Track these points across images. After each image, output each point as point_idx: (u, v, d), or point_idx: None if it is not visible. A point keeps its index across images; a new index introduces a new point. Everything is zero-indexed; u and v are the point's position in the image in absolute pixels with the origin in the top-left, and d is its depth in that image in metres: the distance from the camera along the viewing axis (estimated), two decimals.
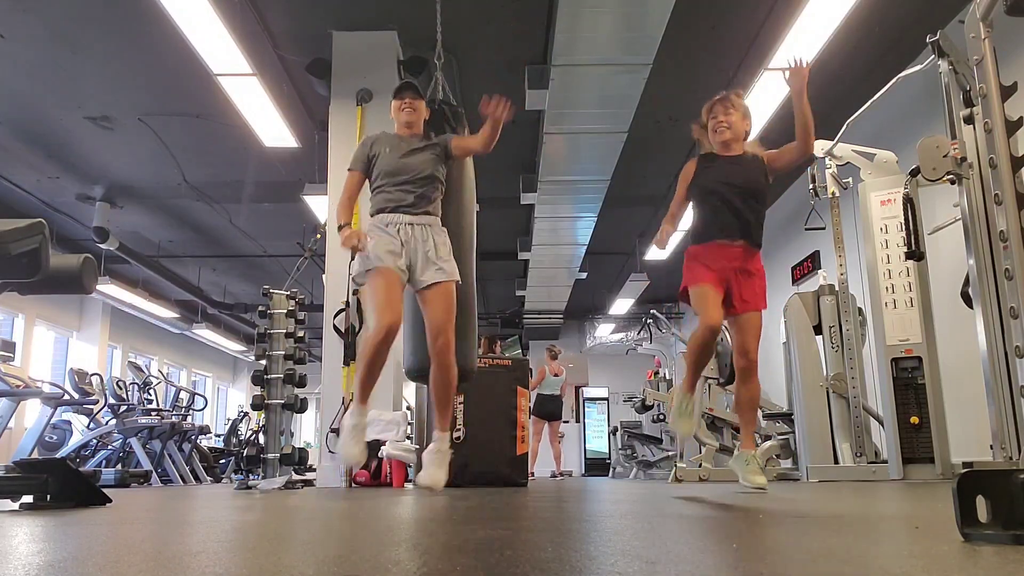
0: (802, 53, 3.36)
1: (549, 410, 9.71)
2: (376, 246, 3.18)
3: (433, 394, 3.29)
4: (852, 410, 5.27)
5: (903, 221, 3.19)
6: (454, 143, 3.41)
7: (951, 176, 2.65)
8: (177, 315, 12.55)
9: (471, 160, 3.87)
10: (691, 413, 3.23)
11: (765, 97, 6.19)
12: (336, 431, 5.22)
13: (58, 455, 6.81)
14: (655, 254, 10.05)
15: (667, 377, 9.01)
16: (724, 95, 3.37)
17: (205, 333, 13.77)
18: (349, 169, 3.41)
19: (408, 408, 6.69)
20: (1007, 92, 2.34)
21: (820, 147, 5.29)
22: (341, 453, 3.12)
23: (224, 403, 17.38)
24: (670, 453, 8.21)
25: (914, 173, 3.14)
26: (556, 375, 9.75)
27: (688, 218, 3.44)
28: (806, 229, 5.77)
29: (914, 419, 4.50)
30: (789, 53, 5.48)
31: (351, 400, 5.27)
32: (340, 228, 3.22)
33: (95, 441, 7.47)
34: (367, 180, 3.40)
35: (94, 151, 7.63)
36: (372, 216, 3.29)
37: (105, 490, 2.73)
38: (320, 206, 6.97)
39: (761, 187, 3.29)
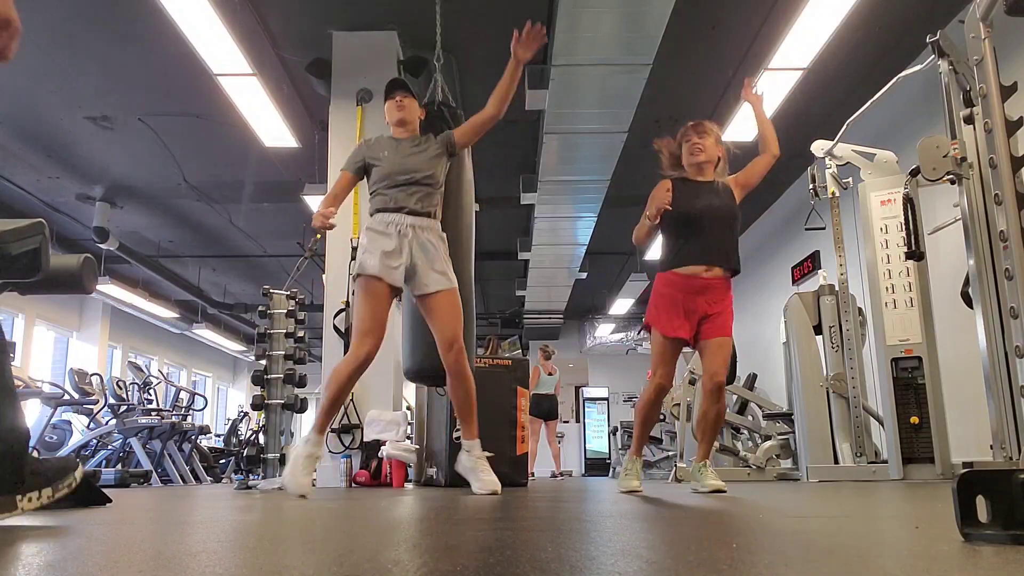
0: (750, 78, 3.49)
1: (545, 409, 9.70)
2: (370, 249, 3.10)
3: (455, 405, 3.27)
4: (852, 410, 5.27)
5: (903, 221, 3.19)
6: (456, 133, 3.32)
7: (951, 176, 2.65)
8: (177, 315, 12.55)
9: (470, 160, 3.86)
10: (638, 474, 3.36)
11: (765, 97, 6.19)
12: (336, 431, 5.22)
13: (58, 455, 6.81)
14: (655, 254, 10.06)
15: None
16: (698, 121, 3.43)
17: (205, 333, 13.77)
18: (341, 169, 3.38)
19: (408, 408, 6.70)
20: (1007, 92, 2.35)
21: (820, 147, 5.29)
22: (286, 481, 2.97)
23: (224, 403, 17.39)
24: (670, 453, 8.21)
25: (914, 173, 3.14)
26: (550, 374, 9.76)
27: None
28: (806, 229, 5.77)
29: (914, 419, 4.50)
30: (789, 54, 5.51)
31: (350, 401, 5.32)
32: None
33: (95, 441, 7.46)
34: (358, 182, 3.36)
35: (94, 151, 7.63)
36: (371, 216, 3.22)
37: (105, 490, 2.73)
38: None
39: (734, 213, 3.34)
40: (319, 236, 3.34)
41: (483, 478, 3.16)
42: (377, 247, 3.10)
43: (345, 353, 5.32)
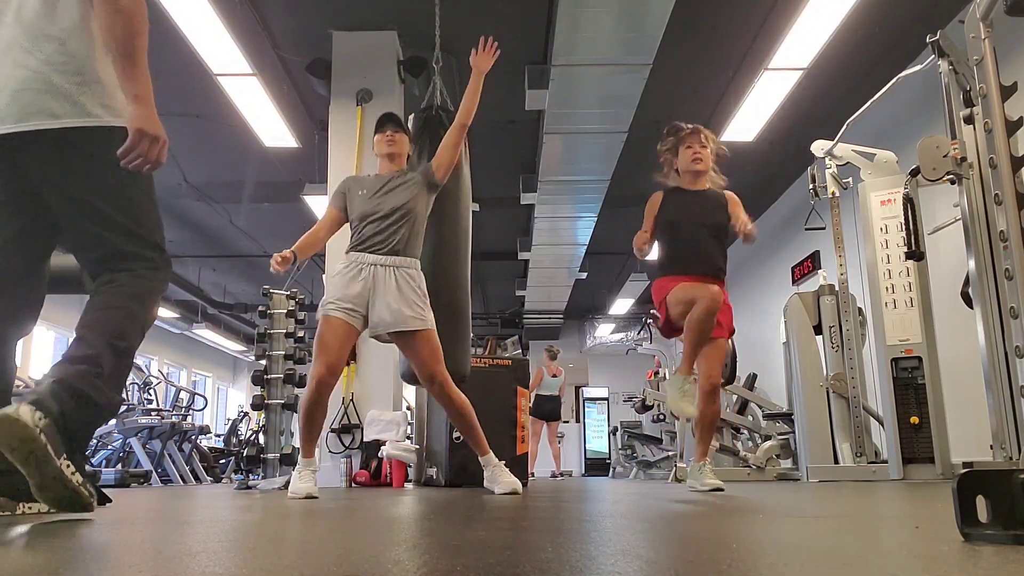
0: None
1: (547, 410, 9.70)
2: (335, 288, 3.16)
3: (457, 429, 3.43)
4: (852, 410, 5.27)
5: (903, 221, 3.19)
6: (434, 164, 3.32)
7: (951, 176, 2.65)
8: (177, 315, 12.55)
9: (468, 162, 3.86)
10: (693, 394, 3.25)
11: (765, 97, 6.20)
12: (336, 430, 5.23)
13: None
14: (655, 254, 10.04)
15: (667, 377, 9.01)
16: (695, 128, 3.45)
17: (205, 333, 13.77)
18: (328, 203, 3.40)
19: (408, 408, 6.70)
20: (1007, 92, 2.35)
21: (820, 147, 5.29)
22: (292, 492, 3.09)
23: (224, 403, 17.38)
24: (670, 453, 8.22)
25: (914, 173, 3.14)
26: (555, 376, 9.73)
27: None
28: (806, 229, 5.77)
29: (914, 419, 4.50)
30: (789, 54, 5.51)
31: (351, 401, 5.32)
32: (290, 250, 3.20)
33: (95, 441, 7.46)
34: (344, 221, 3.35)
35: None
36: (346, 253, 3.25)
37: (105, 490, 2.73)
38: (320, 206, 6.98)
39: (724, 224, 3.36)
40: (294, 247, 3.34)
41: (503, 480, 3.26)
42: (341, 287, 3.14)
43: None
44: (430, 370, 3.16)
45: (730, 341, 6.49)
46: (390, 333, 3.17)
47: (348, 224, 3.33)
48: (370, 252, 3.16)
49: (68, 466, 1.57)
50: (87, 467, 6.78)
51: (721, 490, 3.16)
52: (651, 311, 9.13)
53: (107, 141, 1.72)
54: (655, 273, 3.45)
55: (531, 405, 9.45)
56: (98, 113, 1.73)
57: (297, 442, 3.40)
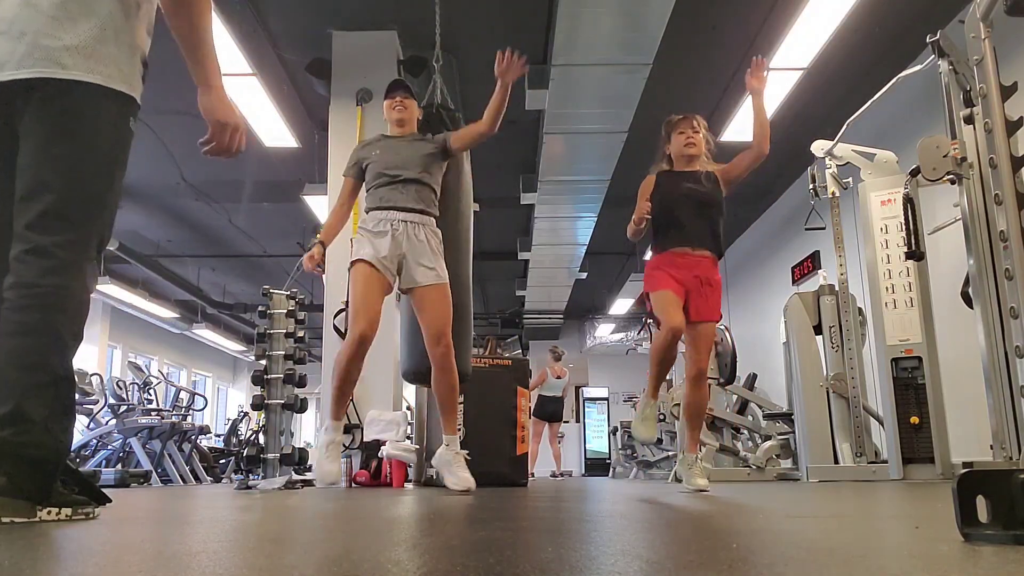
0: (763, 57, 3.58)
1: (549, 411, 9.69)
2: (362, 242, 3.20)
3: (437, 399, 3.32)
4: (852, 410, 5.27)
5: (903, 221, 3.19)
6: (453, 137, 3.38)
7: (951, 176, 2.65)
8: (177, 315, 12.55)
9: (468, 161, 3.87)
10: (654, 419, 3.35)
11: (765, 97, 6.19)
12: None
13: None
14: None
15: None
16: (687, 115, 3.53)
17: (205, 333, 13.77)
18: (343, 175, 3.43)
19: (408, 408, 6.69)
20: (1007, 92, 2.35)
21: (820, 147, 5.29)
22: (316, 472, 3.12)
23: (224, 403, 17.38)
24: (670, 453, 8.21)
25: (914, 173, 3.14)
26: (559, 377, 9.71)
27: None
28: (806, 229, 5.77)
29: (914, 419, 4.50)
30: (789, 54, 5.51)
31: (349, 402, 5.31)
32: (316, 242, 3.28)
33: (95, 441, 7.46)
34: (361, 185, 3.40)
35: None
36: (366, 213, 3.28)
37: (105, 490, 2.73)
38: (320, 206, 6.98)
39: (718, 199, 3.40)
40: (319, 237, 3.38)
41: (459, 474, 3.19)
42: (369, 241, 3.19)
43: None
44: (441, 329, 3.17)
45: (730, 339, 6.50)
46: (406, 290, 3.22)
47: (365, 186, 3.37)
48: (394, 209, 3.21)
49: (50, 512, 1.53)
50: (86, 468, 6.79)
51: (706, 491, 3.15)
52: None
53: (102, 104, 1.61)
54: (651, 249, 3.50)
55: (534, 405, 9.46)
56: (110, 73, 1.61)
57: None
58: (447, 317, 3.19)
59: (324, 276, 5.68)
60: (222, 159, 1.66)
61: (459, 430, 3.37)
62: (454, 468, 3.20)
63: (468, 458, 3.30)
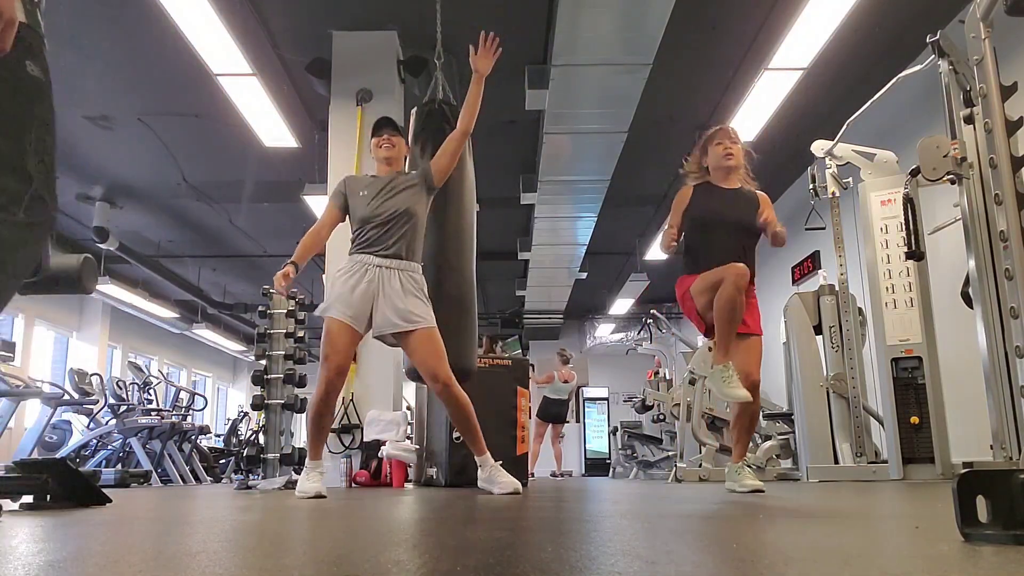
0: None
1: (554, 413, 9.69)
2: (337, 290, 3.21)
3: (457, 428, 3.39)
4: (852, 410, 5.27)
5: (903, 221, 3.19)
6: (432, 166, 3.36)
7: (951, 176, 2.65)
8: (177, 315, 12.55)
9: (471, 159, 3.86)
10: (736, 378, 3.05)
11: (765, 97, 6.19)
12: (336, 431, 5.22)
13: (58, 455, 6.81)
14: (655, 254, 10.05)
15: (667, 377, 9.01)
16: (723, 126, 3.40)
17: (205, 333, 13.77)
18: (328, 199, 3.45)
19: (408, 408, 6.69)
20: (1007, 92, 2.35)
21: (820, 147, 5.29)
22: (298, 491, 3.13)
23: (224, 403, 17.38)
24: (670, 453, 8.21)
25: (914, 173, 3.14)
26: (566, 381, 9.70)
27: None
28: (806, 229, 5.77)
29: (914, 419, 4.50)
30: (789, 54, 5.51)
31: (351, 401, 5.32)
32: (288, 262, 3.30)
33: (95, 441, 7.46)
34: (343, 218, 3.39)
35: (94, 151, 7.63)
36: (349, 254, 3.30)
37: (105, 490, 2.73)
38: (320, 206, 6.96)
39: (751, 222, 3.24)
40: (292, 259, 3.39)
41: (502, 481, 3.25)
42: (343, 290, 3.19)
43: None
44: (433, 369, 3.17)
45: None
46: (394, 334, 3.19)
47: (349, 223, 3.36)
48: (374, 254, 3.20)
49: None
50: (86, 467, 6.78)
51: (762, 491, 3.07)
52: (651, 311, 9.12)
53: None
54: (681, 270, 3.33)
55: (538, 407, 9.47)
56: None
57: (297, 442, 3.42)
58: (438, 357, 3.17)
59: (324, 276, 5.69)
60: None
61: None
62: (496, 479, 3.26)
63: (501, 465, 3.35)
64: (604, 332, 15.13)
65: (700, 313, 3.20)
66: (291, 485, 4.86)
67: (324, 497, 3.02)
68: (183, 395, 9.18)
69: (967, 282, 3.08)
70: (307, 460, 3.21)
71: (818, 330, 5.54)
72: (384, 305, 3.14)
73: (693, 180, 3.38)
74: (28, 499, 2.52)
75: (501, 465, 3.32)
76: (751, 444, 7.12)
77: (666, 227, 3.26)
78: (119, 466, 7.12)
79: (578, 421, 14.87)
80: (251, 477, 5.51)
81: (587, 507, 2.42)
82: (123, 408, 7.51)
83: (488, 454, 3.31)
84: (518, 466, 5.02)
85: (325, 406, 3.17)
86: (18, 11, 1.30)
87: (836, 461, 5.21)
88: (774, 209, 3.28)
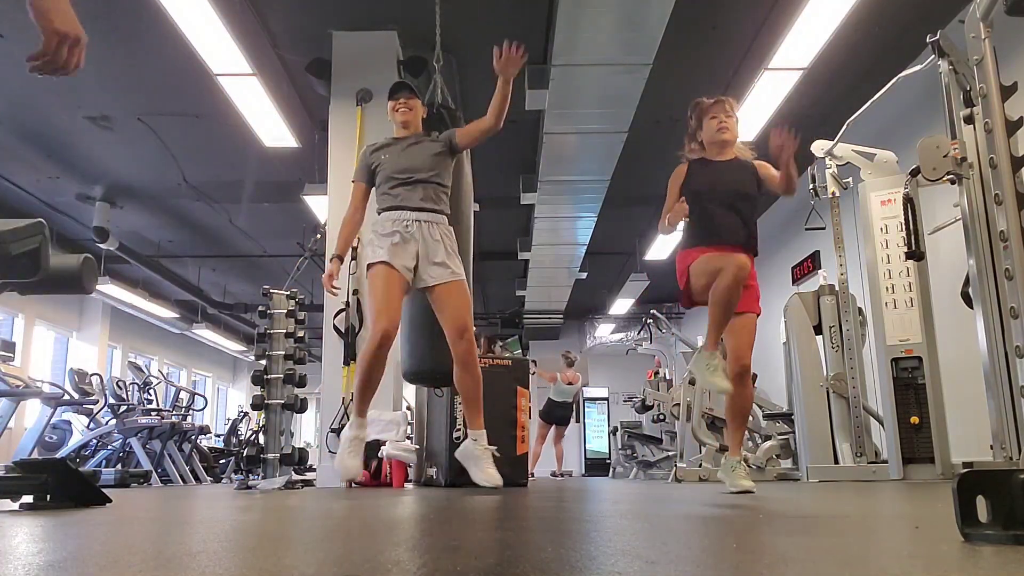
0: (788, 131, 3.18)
1: (558, 416, 9.68)
2: (377, 243, 3.21)
3: (462, 395, 3.34)
4: (852, 410, 5.27)
5: (903, 221, 3.19)
6: (458, 133, 3.40)
7: (951, 176, 2.65)
8: (177, 315, 12.55)
9: (469, 161, 3.87)
10: (722, 368, 3.01)
11: (765, 97, 6.19)
12: (336, 431, 5.22)
13: (58, 455, 6.81)
14: (655, 254, 10.05)
15: (667, 377, 9.01)
16: (719, 99, 3.33)
17: (205, 333, 13.77)
18: (353, 180, 3.45)
19: (408, 408, 6.69)
20: (1007, 92, 2.35)
21: (820, 147, 5.29)
22: (337, 466, 3.15)
23: (224, 403, 17.38)
24: (670, 453, 8.21)
25: (914, 173, 3.14)
26: (570, 383, 9.69)
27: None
28: (806, 229, 5.77)
29: (914, 419, 4.50)
30: (789, 54, 5.50)
31: (351, 402, 5.31)
32: (332, 258, 3.34)
33: (95, 441, 7.46)
34: (373, 189, 3.42)
35: (94, 151, 7.63)
36: (378, 214, 3.30)
37: (105, 490, 2.73)
38: (320, 206, 6.96)
39: (753, 192, 3.22)
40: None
41: (487, 470, 3.21)
42: (384, 242, 3.21)
43: (345, 354, 5.36)
44: (464, 322, 3.19)
45: None
46: (422, 289, 3.23)
47: (375, 189, 3.39)
48: (407, 209, 3.24)
49: None
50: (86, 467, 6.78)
51: (751, 492, 3.03)
52: (651, 311, 9.11)
53: None
54: (680, 244, 3.29)
55: (542, 409, 9.47)
56: None
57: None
58: (467, 311, 3.21)
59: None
60: (55, 77, 1.27)
61: (459, 428, 3.37)
62: (482, 464, 3.20)
63: (497, 455, 3.28)
64: (604, 332, 15.13)
65: (694, 293, 3.10)
66: (291, 485, 4.86)
67: (353, 484, 2.95)
68: (183, 395, 9.18)
69: (967, 282, 3.08)
70: (352, 417, 3.20)
71: (818, 330, 5.54)
72: (427, 257, 3.20)
73: (689, 155, 3.33)
74: (28, 499, 2.52)
75: (502, 465, 3.31)
76: (751, 444, 7.14)
77: (664, 209, 3.16)
78: (119, 466, 7.12)
79: (578, 421, 14.88)
80: (251, 477, 5.50)
81: (587, 507, 2.42)
82: (123, 408, 7.51)
83: (484, 432, 3.26)
84: (518, 466, 5.02)
85: (377, 363, 3.12)
86: None
87: (836, 461, 5.21)
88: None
